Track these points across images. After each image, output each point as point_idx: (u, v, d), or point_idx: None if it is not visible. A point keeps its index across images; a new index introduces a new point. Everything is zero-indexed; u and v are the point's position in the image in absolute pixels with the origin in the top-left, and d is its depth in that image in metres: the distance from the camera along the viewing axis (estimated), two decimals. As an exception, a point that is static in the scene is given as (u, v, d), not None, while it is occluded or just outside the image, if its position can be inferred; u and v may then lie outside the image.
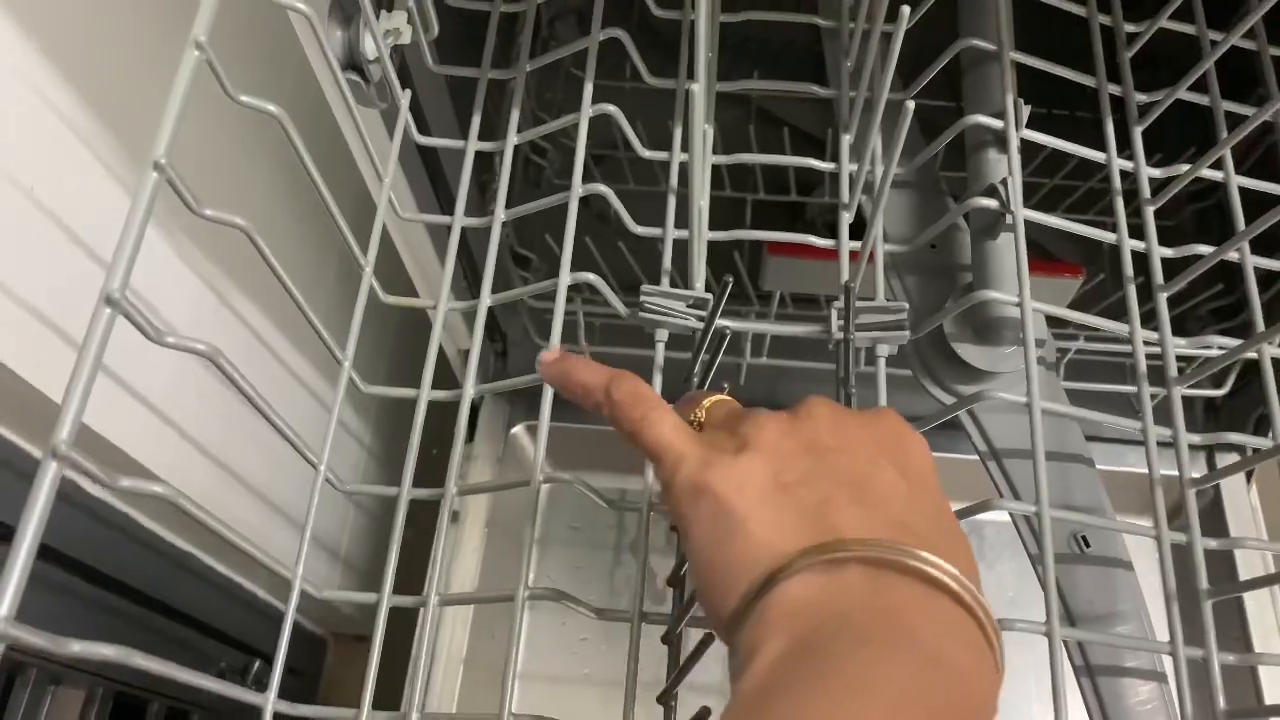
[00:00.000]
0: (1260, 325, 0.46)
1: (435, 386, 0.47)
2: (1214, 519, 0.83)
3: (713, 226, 0.49)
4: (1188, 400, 0.86)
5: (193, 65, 0.32)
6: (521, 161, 0.89)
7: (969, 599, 0.26)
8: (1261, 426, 0.84)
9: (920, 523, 0.29)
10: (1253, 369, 0.82)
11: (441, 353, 0.48)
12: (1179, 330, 0.46)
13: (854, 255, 0.47)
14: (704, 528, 0.29)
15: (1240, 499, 0.85)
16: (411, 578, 0.45)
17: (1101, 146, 0.49)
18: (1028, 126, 0.48)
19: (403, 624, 0.46)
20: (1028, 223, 0.46)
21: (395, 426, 1.00)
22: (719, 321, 0.45)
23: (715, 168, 0.50)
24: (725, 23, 0.54)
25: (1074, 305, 0.48)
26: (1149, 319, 0.46)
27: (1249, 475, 0.86)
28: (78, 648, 0.27)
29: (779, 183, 0.87)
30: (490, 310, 0.48)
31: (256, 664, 0.90)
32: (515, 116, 0.52)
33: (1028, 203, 0.46)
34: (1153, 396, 0.44)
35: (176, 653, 0.82)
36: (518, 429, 0.90)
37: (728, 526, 0.29)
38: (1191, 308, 0.80)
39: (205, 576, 0.79)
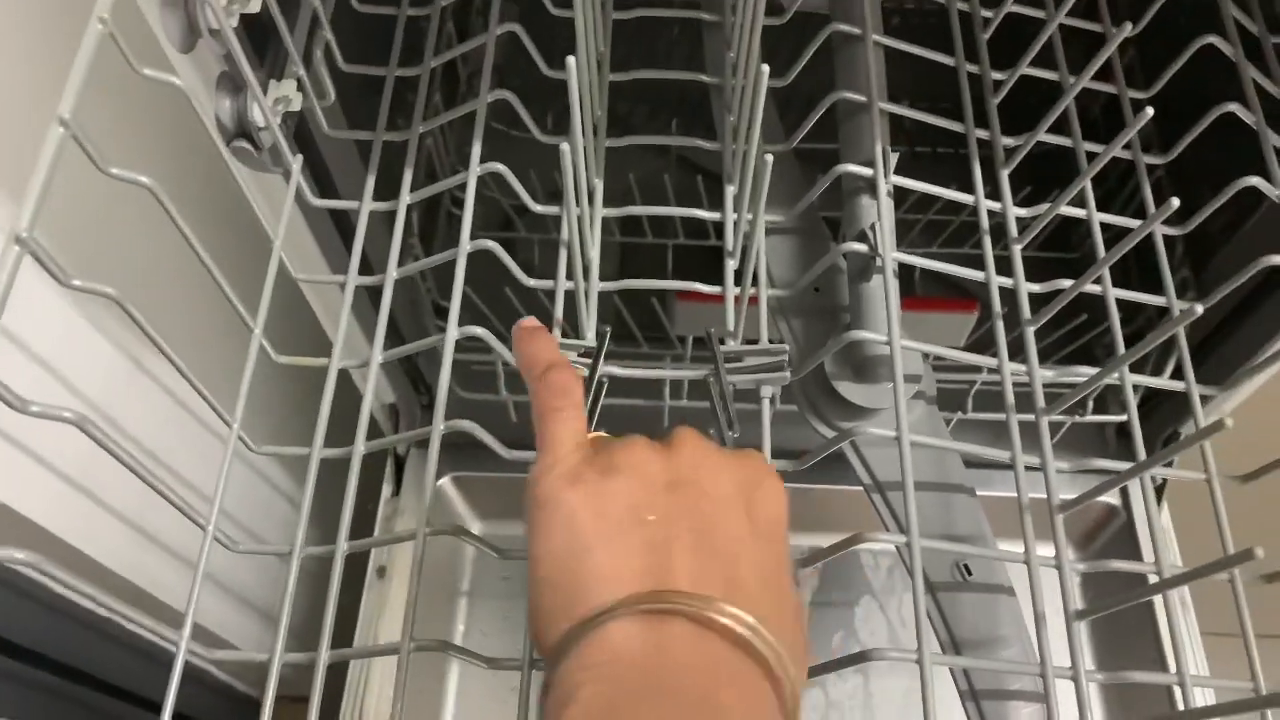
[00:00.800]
0: (1121, 348, 0.48)
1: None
2: (1126, 541, 0.86)
3: (636, 271, 0.51)
4: (1099, 428, 0.89)
5: (96, 37, 0.33)
6: (445, 215, 0.90)
7: (783, 679, 0.28)
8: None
9: (754, 583, 0.30)
10: (1155, 396, 0.85)
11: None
12: (1086, 361, 0.48)
13: (738, 300, 0.49)
14: (554, 542, 0.30)
15: (1152, 522, 0.87)
16: (348, 629, 0.45)
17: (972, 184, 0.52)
18: (898, 170, 0.50)
19: (336, 684, 0.46)
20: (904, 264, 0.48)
21: (326, 484, 1.00)
22: (603, 368, 0.47)
23: (636, 218, 0.52)
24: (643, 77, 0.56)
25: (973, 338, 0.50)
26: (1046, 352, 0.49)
27: (1159, 495, 0.88)
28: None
29: (698, 227, 0.89)
30: (415, 364, 0.49)
31: (190, 728, 0.89)
32: (408, 177, 0.53)
33: (905, 239, 0.48)
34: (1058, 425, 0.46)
35: (98, 721, 0.80)
36: (444, 480, 0.90)
37: (576, 549, 0.30)
38: (1097, 336, 0.83)
39: (128, 642, 0.78)
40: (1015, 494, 0.44)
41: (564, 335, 0.49)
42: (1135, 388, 0.50)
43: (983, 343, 0.57)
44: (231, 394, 0.44)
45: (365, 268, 0.52)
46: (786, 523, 0.33)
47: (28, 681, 0.67)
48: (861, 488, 0.51)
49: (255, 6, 0.45)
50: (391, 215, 0.52)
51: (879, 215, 0.48)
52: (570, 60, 0.42)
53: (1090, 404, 0.69)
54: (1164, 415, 0.84)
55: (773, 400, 0.47)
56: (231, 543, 0.44)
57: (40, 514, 0.57)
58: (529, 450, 0.43)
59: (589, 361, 0.48)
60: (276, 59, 0.51)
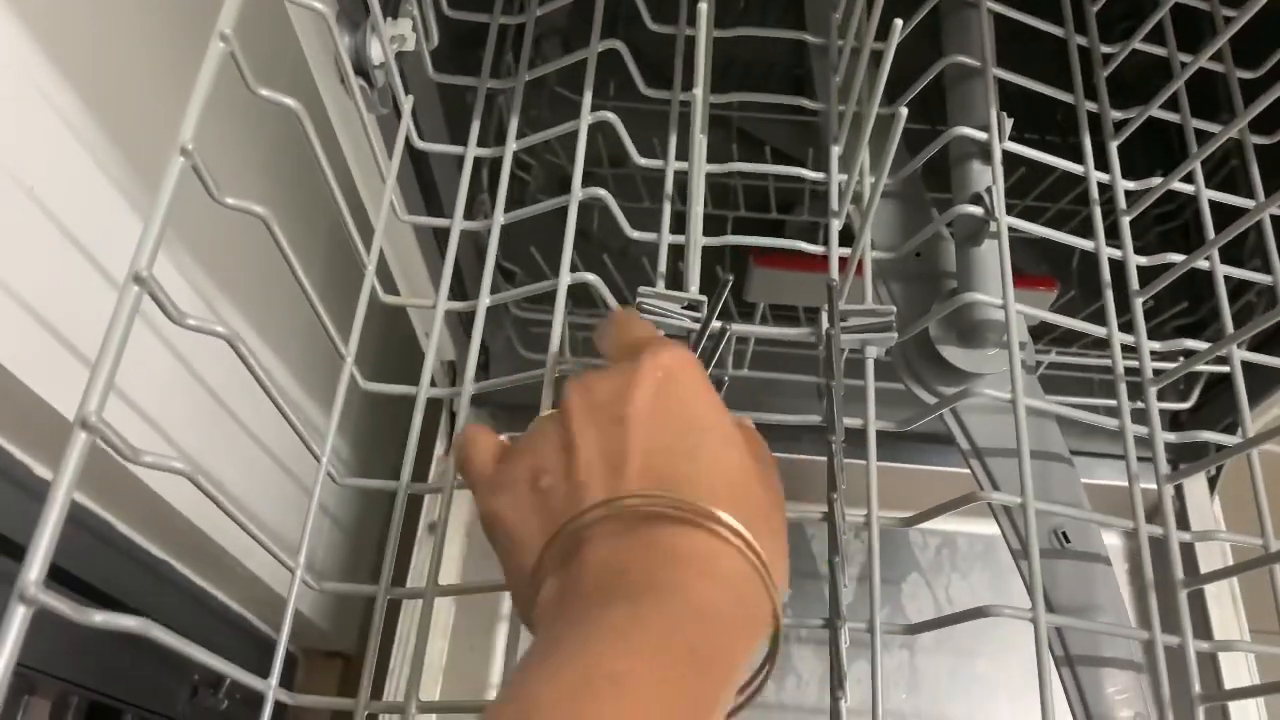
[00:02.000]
0: (1229, 327, 0.48)
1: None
2: (1179, 527, 0.86)
3: (705, 236, 0.51)
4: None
5: (218, 56, 0.33)
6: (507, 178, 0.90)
7: (746, 546, 0.28)
8: (1227, 434, 0.87)
9: (678, 468, 0.30)
10: (1217, 384, 0.85)
11: (421, 362, 0.49)
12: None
13: (842, 263, 0.49)
14: (499, 551, 0.33)
15: (1204, 508, 0.88)
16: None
17: (1076, 163, 0.52)
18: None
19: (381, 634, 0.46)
20: (1009, 235, 0.48)
21: (369, 439, 1.00)
22: (718, 320, 0.47)
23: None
24: (712, 43, 0.56)
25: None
26: (1125, 329, 0.49)
27: (1212, 486, 0.88)
28: (100, 618, 0.28)
29: (758, 201, 0.89)
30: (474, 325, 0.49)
31: (226, 680, 0.89)
32: (514, 123, 0.53)
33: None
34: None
35: (150, 662, 0.81)
36: (501, 439, 0.90)
37: (504, 545, 0.32)
38: (1159, 324, 0.83)
39: (179, 586, 0.78)
40: (1090, 482, 0.44)
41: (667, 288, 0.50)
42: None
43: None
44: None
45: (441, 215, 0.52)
46: (700, 393, 0.33)
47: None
48: (950, 469, 0.51)
49: (380, -57, 0.45)
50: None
51: (994, 179, 0.48)
52: (701, 6, 0.42)
53: (1196, 388, 0.69)
54: (1221, 404, 0.84)
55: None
56: (339, 474, 0.44)
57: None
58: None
59: (694, 315, 0.48)
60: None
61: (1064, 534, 0.47)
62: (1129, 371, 0.47)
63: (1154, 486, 0.45)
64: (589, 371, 0.35)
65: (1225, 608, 0.84)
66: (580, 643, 0.25)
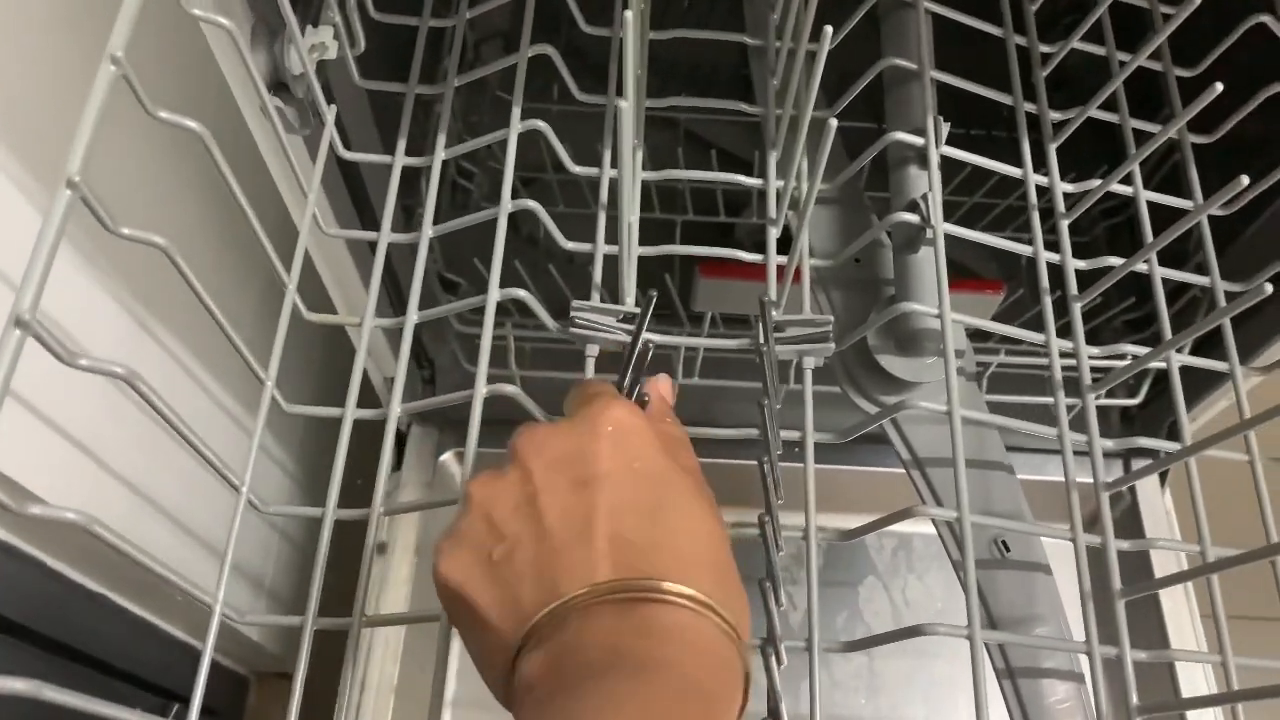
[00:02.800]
0: (1168, 333, 0.48)
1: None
2: (1130, 524, 0.86)
3: (642, 246, 0.50)
4: (1103, 410, 0.89)
5: (109, 80, 0.31)
6: (448, 185, 0.88)
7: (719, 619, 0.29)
8: (1174, 433, 0.87)
9: (645, 534, 0.30)
10: (1165, 378, 0.86)
11: (367, 379, 0.47)
12: (1094, 342, 0.48)
13: (781, 271, 0.48)
14: (456, 619, 0.32)
15: (1155, 504, 0.88)
16: (341, 609, 0.44)
17: (1017, 164, 0.51)
18: (946, 144, 0.49)
19: (329, 658, 0.45)
20: (948, 239, 0.47)
21: (319, 455, 0.98)
22: (646, 335, 0.46)
23: (644, 189, 0.51)
24: (654, 46, 0.55)
25: (993, 320, 0.49)
26: (1064, 331, 0.48)
27: (1162, 479, 0.89)
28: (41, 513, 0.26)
29: (707, 204, 0.88)
30: (417, 336, 0.48)
31: (175, 708, 0.87)
32: (443, 132, 0.52)
33: (947, 220, 0.47)
34: (1069, 407, 0.46)
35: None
36: (446, 456, 0.88)
37: (468, 619, 0.31)
38: (1106, 320, 0.83)
39: (118, 617, 0.76)
40: (1039, 478, 0.43)
41: (601, 301, 0.48)
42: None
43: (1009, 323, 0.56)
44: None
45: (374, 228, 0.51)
46: (655, 449, 0.33)
47: (15, 656, 0.65)
48: (891, 469, 0.51)
49: (296, -52, 0.44)
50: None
51: (930, 185, 0.47)
52: (628, 15, 0.41)
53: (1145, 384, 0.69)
54: (1165, 402, 0.85)
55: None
56: (262, 504, 0.43)
57: (39, 482, 0.55)
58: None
59: (630, 328, 0.47)
60: (311, 6, 0.49)
61: (1004, 543, 0.46)
62: (1070, 375, 0.47)
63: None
64: (537, 426, 0.34)
65: (1180, 611, 0.84)
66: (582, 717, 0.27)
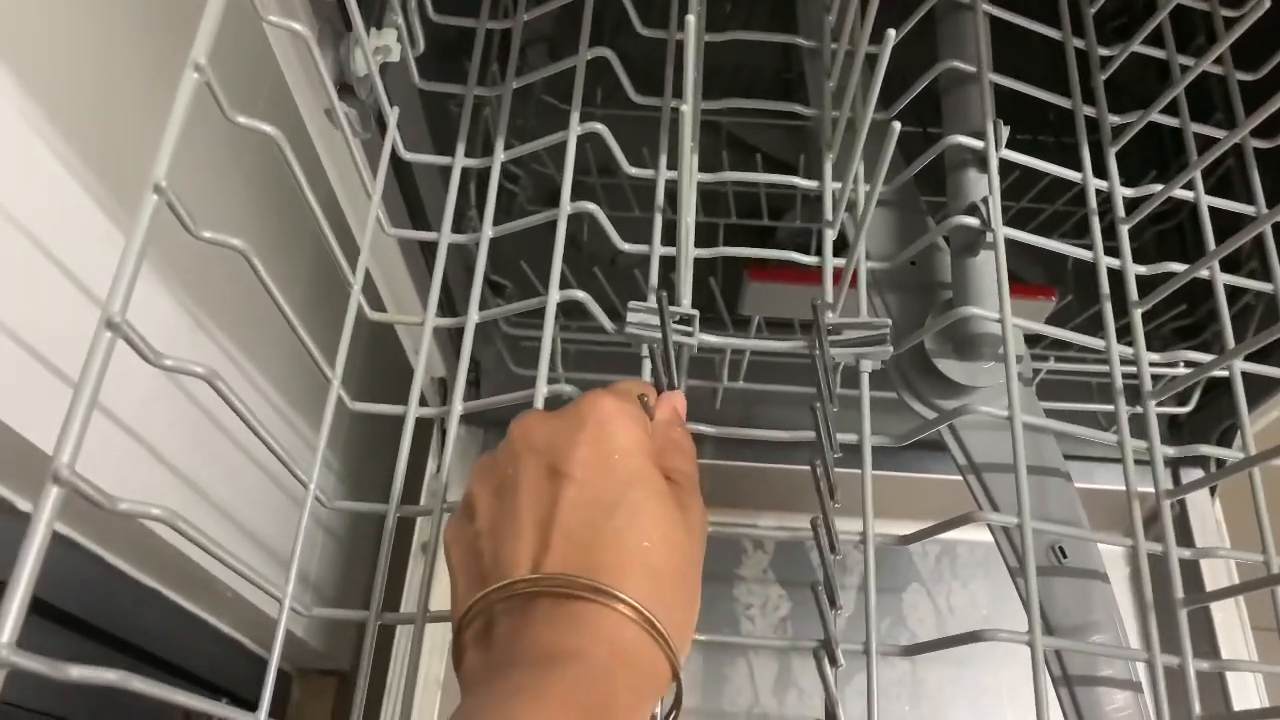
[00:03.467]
0: (1230, 340, 0.47)
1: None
2: (1180, 532, 0.85)
3: (696, 249, 0.50)
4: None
5: (192, 87, 0.32)
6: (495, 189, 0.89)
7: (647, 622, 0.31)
8: (1225, 439, 0.86)
9: (596, 534, 0.32)
10: (1215, 386, 0.85)
11: (410, 377, 0.48)
12: (1147, 349, 0.48)
13: (837, 274, 0.48)
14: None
15: (1206, 512, 0.87)
16: (385, 605, 0.45)
17: (1067, 167, 0.51)
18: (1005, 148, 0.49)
19: (375, 654, 0.46)
20: (1005, 242, 0.47)
21: (363, 454, 0.99)
22: (702, 336, 0.46)
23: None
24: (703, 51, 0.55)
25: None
26: (1122, 335, 0.48)
27: (1213, 490, 0.88)
28: (77, 673, 0.27)
29: (750, 207, 0.88)
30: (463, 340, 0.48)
31: (224, 700, 0.88)
32: (502, 134, 0.52)
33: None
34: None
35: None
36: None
37: (451, 584, 0.35)
38: (1155, 328, 0.82)
39: (169, 613, 0.77)
40: (1089, 486, 0.43)
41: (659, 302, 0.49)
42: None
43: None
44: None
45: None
46: (631, 450, 0.34)
47: (71, 648, 0.66)
48: (945, 476, 0.51)
49: (364, -48, 0.44)
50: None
51: (990, 188, 0.47)
52: (690, 19, 0.41)
53: (1197, 391, 0.68)
54: (1221, 407, 0.83)
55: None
56: (327, 500, 0.44)
57: (102, 475, 0.56)
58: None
59: (686, 329, 0.47)
60: (373, 6, 0.50)
61: (1061, 549, 0.46)
62: (1127, 381, 0.46)
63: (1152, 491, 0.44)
64: (533, 412, 0.37)
65: (1231, 622, 0.83)
66: (495, 708, 0.29)
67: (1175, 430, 0.90)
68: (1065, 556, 0.46)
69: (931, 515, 0.44)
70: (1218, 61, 0.55)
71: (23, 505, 0.55)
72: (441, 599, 0.85)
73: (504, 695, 0.29)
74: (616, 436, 0.34)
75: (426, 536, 0.85)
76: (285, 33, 0.43)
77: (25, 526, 0.26)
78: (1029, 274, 0.80)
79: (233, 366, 0.70)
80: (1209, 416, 0.85)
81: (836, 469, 0.41)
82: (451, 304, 0.69)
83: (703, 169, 0.55)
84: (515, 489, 0.34)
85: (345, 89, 0.49)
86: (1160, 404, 0.81)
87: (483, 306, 0.49)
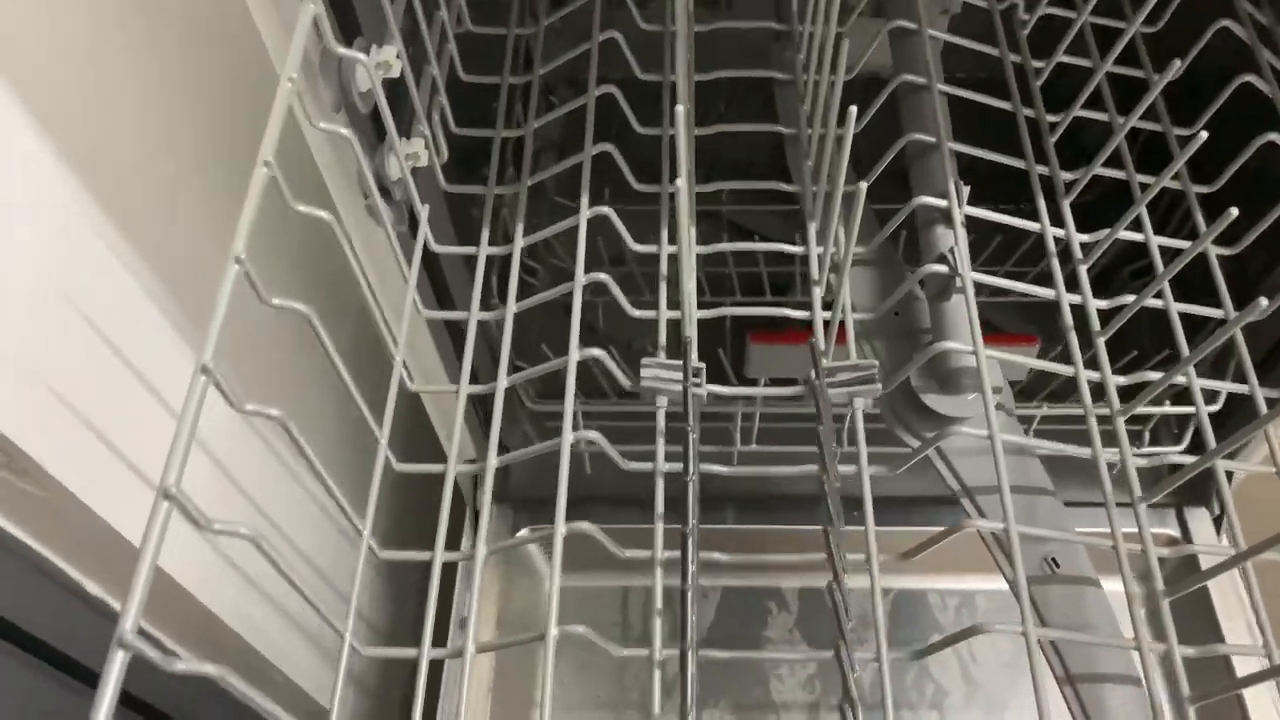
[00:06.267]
0: (1211, 440, 0.52)
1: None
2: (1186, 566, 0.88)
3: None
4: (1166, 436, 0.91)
5: (263, 180, 0.38)
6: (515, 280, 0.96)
7: None
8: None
9: None
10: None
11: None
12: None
13: (827, 325, 0.54)
14: None
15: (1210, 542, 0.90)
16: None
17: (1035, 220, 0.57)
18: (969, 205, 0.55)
19: (388, 700, 0.48)
20: (978, 290, 0.52)
21: (396, 507, 1.03)
22: (710, 387, 0.51)
23: (696, 279, 0.57)
24: (698, 143, 0.62)
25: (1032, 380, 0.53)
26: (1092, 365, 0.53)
27: (1217, 524, 0.90)
28: (182, 665, 0.31)
29: (753, 286, 0.94)
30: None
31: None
32: (520, 222, 0.59)
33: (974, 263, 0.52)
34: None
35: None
36: (523, 532, 0.93)
37: None
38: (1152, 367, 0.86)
39: (229, 700, 0.80)
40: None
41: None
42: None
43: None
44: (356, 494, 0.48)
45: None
46: None
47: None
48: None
49: (396, 71, 0.52)
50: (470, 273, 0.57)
51: (955, 239, 0.53)
52: (679, 109, 0.48)
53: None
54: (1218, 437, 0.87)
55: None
56: (364, 647, 0.47)
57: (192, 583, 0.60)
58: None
59: (694, 380, 0.53)
60: (403, 119, 0.57)
61: (1054, 560, 0.50)
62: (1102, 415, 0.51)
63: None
64: None
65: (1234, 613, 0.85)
66: None
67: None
68: (1058, 566, 0.50)
69: (944, 569, 0.48)
70: (1155, 118, 0.62)
71: (93, 589, 0.59)
72: (485, 633, 0.87)
73: None
74: None
75: (464, 612, 0.89)
76: (325, 137, 0.50)
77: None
78: (1015, 328, 0.85)
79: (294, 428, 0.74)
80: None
81: (846, 527, 0.45)
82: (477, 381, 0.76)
83: (705, 255, 0.61)
84: None
85: (382, 190, 0.56)
86: (1156, 444, 0.86)
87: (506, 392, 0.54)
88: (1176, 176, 0.60)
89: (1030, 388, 0.86)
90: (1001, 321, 0.88)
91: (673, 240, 0.59)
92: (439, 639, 0.48)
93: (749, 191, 0.62)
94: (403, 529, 1.06)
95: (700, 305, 0.56)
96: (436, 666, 0.52)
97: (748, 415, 0.85)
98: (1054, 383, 0.84)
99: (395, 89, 0.55)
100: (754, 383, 0.79)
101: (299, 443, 0.39)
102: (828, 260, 0.56)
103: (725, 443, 0.87)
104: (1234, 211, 0.42)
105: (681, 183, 0.48)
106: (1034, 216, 0.57)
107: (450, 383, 0.55)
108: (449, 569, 0.51)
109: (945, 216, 0.55)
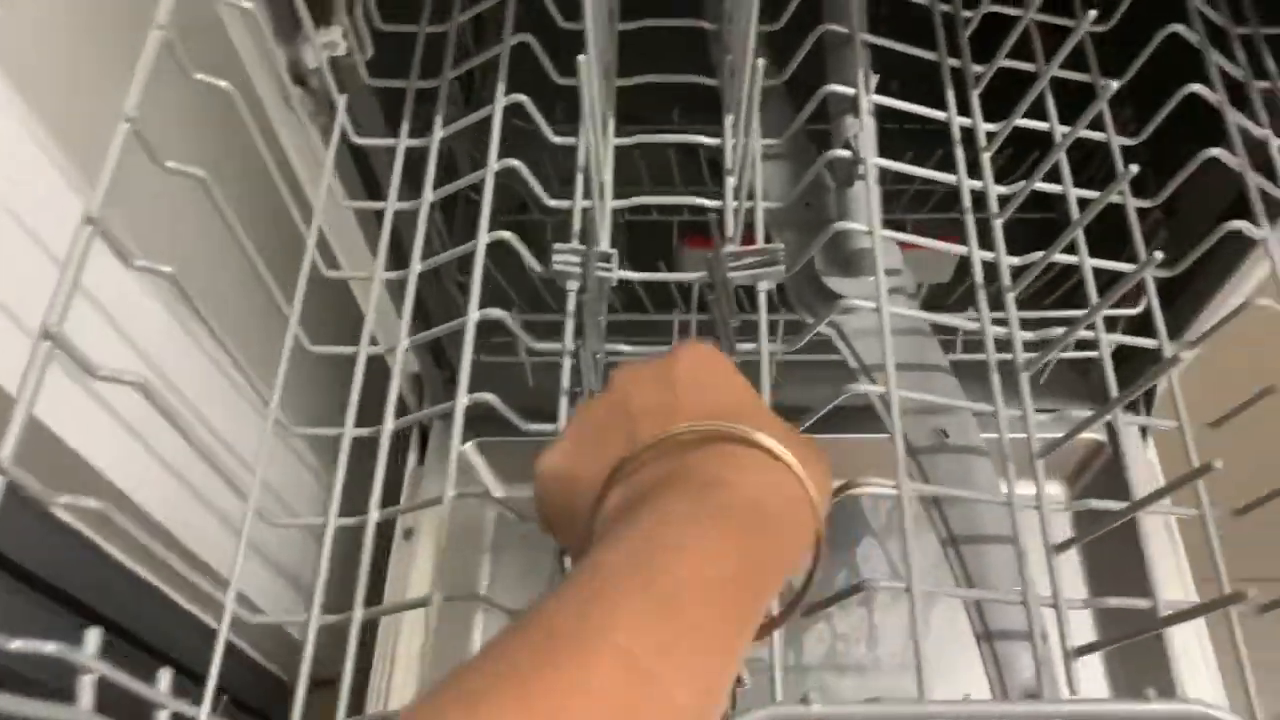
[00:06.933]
0: (1113, 388, 0.53)
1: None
2: (1115, 475, 0.90)
3: (646, 248, 0.57)
4: (1083, 382, 0.93)
5: (157, 41, 0.39)
6: (463, 200, 0.95)
7: (787, 460, 0.33)
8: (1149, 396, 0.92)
9: (728, 413, 0.34)
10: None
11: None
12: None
13: (737, 215, 0.55)
14: (548, 502, 0.36)
15: (1138, 455, 0.93)
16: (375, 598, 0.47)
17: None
18: (886, 146, 0.56)
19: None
20: (882, 178, 0.54)
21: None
22: (617, 272, 0.53)
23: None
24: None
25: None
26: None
27: (1144, 434, 0.93)
28: (67, 499, 0.33)
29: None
30: (438, 342, 0.54)
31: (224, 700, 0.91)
32: (440, 114, 0.60)
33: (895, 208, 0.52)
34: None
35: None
36: (467, 447, 0.95)
37: (561, 491, 0.36)
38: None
39: (191, 622, 0.80)
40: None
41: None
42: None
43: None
44: (272, 370, 0.49)
45: (396, 243, 0.58)
46: (722, 366, 0.38)
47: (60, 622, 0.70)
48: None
49: (308, -41, 0.52)
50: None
51: (861, 126, 0.54)
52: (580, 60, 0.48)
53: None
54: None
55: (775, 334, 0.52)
56: (270, 516, 0.49)
57: (105, 464, 0.60)
58: (547, 422, 0.49)
59: (605, 265, 0.54)
60: (323, 9, 0.58)
61: (944, 431, 0.52)
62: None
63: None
64: (632, 361, 0.39)
65: (1168, 564, 0.88)
66: (645, 522, 0.30)
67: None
68: (948, 436, 0.52)
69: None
70: (1081, 69, 0.62)
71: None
72: (417, 585, 0.87)
73: (649, 517, 0.30)
74: (718, 362, 0.37)
75: (410, 524, 0.90)
76: (244, 27, 0.50)
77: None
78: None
79: (212, 367, 0.75)
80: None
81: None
82: (426, 313, 0.77)
83: (654, 170, 0.61)
84: (633, 395, 0.35)
85: (299, 79, 0.57)
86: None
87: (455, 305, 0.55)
88: (1099, 127, 0.60)
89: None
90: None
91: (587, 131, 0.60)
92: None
93: (698, 111, 0.62)
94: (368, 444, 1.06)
95: (635, 227, 0.57)
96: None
97: (685, 323, 0.86)
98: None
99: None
100: (674, 305, 0.81)
101: (193, 304, 0.41)
102: (741, 151, 0.57)
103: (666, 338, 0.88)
104: (1134, 168, 0.44)
105: (588, 59, 0.49)
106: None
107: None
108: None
109: (855, 105, 0.57)
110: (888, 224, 0.53)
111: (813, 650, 0.92)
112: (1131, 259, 0.54)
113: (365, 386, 0.52)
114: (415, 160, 0.61)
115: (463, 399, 0.49)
